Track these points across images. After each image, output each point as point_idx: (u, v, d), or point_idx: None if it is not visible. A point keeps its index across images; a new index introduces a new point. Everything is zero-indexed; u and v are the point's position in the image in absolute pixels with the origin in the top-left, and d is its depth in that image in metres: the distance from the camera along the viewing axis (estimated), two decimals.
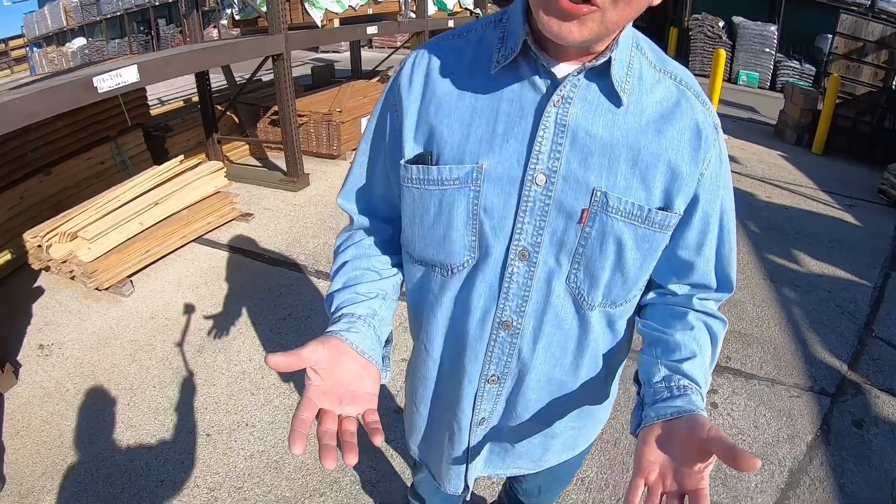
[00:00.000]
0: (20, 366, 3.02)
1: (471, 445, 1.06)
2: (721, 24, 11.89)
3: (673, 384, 0.81)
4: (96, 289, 3.53)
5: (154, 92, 6.20)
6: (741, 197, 5.00)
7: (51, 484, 2.33)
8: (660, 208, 0.82)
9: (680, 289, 0.93)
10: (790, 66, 11.51)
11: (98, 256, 3.48)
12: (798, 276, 3.74)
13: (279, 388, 2.70)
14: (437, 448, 1.14)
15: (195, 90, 5.27)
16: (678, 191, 0.81)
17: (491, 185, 0.81)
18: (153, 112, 5.93)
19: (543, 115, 0.78)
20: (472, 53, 0.84)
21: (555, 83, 0.78)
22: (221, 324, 3.20)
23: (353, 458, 0.69)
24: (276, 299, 3.38)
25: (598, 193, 0.79)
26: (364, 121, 5.48)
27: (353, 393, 0.79)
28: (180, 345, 3.04)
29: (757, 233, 4.28)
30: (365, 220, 1.01)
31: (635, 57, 0.80)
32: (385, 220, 1.01)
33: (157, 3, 22.76)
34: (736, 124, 7.98)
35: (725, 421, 2.48)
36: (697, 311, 0.91)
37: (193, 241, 4.12)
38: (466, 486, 1.14)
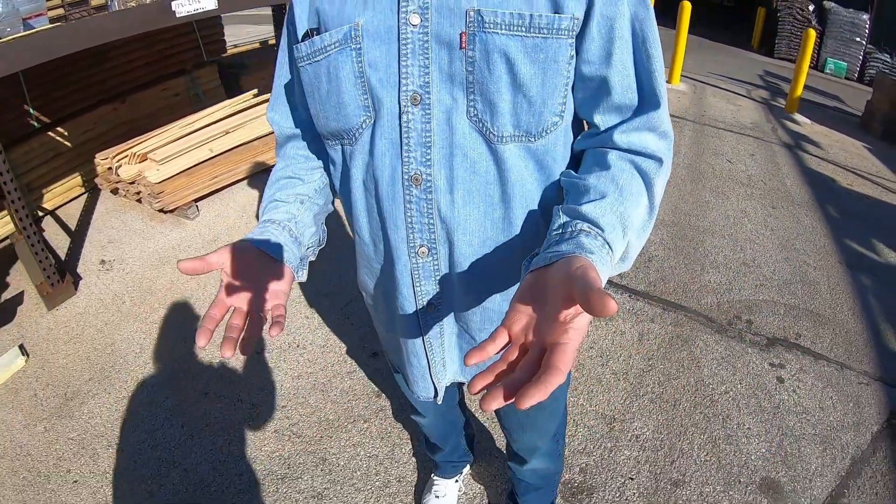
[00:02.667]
0: (80, 279, 3.12)
1: (425, 336, 0.99)
2: (811, 7, 11.21)
3: (568, 230, 0.69)
4: (161, 210, 3.58)
5: (230, 39, 6.25)
6: (821, 181, 4.71)
7: (97, 388, 2.40)
8: (552, 12, 0.74)
9: (603, 119, 0.82)
10: (880, 59, 10.79)
11: (166, 178, 3.52)
12: (875, 265, 3.48)
13: (334, 314, 2.69)
14: (396, 345, 1.09)
15: (270, 35, 5.27)
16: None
17: (370, 39, 0.79)
18: (228, 52, 5.97)
19: None
20: None
21: None
22: None
23: (247, 350, 0.73)
24: (340, 229, 3.34)
25: (472, 13, 0.74)
26: None
27: (264, 290, 0.80)
28: None
29: (834, 217, 4.02)
30: (288, 129, 1.02)
31: None
32: (305, 125, 0.99)
33: None
34: (820, 111, 7.53)
35: (791, 398, 2.32)
36: (621, 149, 0.80)
37: (261, 172, 4.12)
38: (436, 391, 1.08)
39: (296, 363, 2.41)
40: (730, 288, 2.97)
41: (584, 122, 0.87)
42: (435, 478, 1.82)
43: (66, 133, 4.11)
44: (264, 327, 0.76)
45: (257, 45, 6.31)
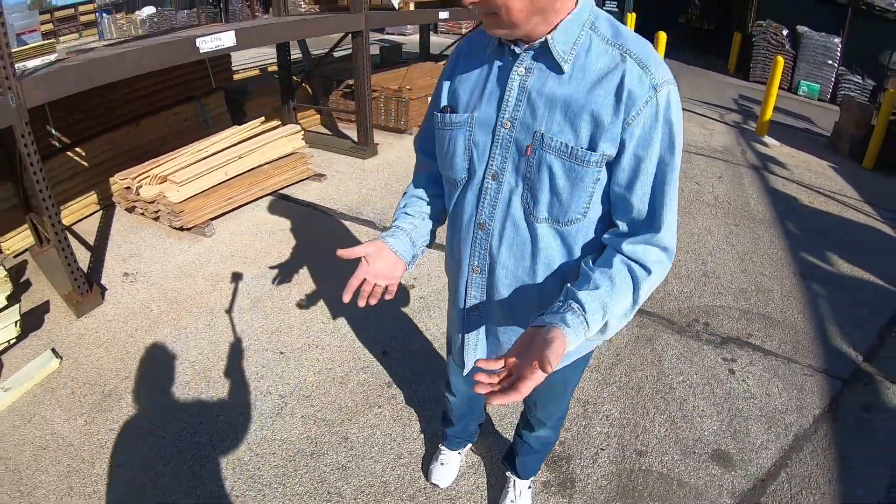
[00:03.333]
0: (106, 289, 3.47)
1: (466, 326, 1.46)
2: (785, 32, 11.84)
3: (563, 306, 1.06)
4: (180, 228, 3.97)
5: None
6: (784, 200, 5.18)
7: (133, 386, 2.74)
8: (586, 148, 1.09)
9: (622, 225, 1.17)
10: (852, 80, 11.40)
11: (185, 199, 3.93)
12: (829, 275, 3.93)
13: (349, 319, 3.11)
14: (451, 327, 1.62)
15: (269, 61, 5.70)
16: (601, 135, 1.07)
17: (478, 127, 1.21)
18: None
19: (508, 81, 1.16)
20: (484, 41, 1.22)
21: (515, 58, 1.14)
22: (295, 264, 3.63)
23: (373, 301, 1.37)
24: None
25: (538, 135, 1.12)
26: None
27: (386, 274, 1.36)
28: (258, 278, 3.45)
29: (794, 233, 4.47)
30: (423, 157, 1.50)
31: (585, 35, 1.10)
32: (435, 160, 1.42)
33: None
34: (790, 133, 8.03)
35: (740, 386, 2.77)
36: (624, 254, 1.14)
37: (270, 194, 4.56)
38: (464, 364, 1.54)
39: (317, 361, 2.81)
40: (690, 296, 3.44)
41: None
42: (442, 448, 2.24)
43: (83, 153, 4.53)
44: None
45: (258, 72, 6.74)
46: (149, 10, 28.58)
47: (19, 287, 3.53)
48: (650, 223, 1.14)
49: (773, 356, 3.00)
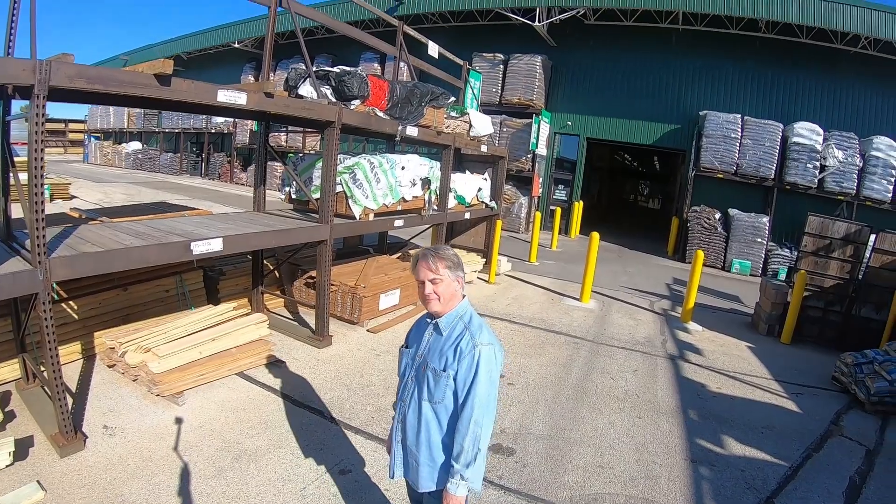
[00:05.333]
0: (87, 437, 4.13)
1: (394, 452, 2.69)
2: (717, 215, 13.50)
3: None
4: (157, 395, 4.67)
5: None
6: (692, 388, 6.01)
7: None
8: (441, 370, 2.49)
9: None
10: (780, 254, 12.94)
11: (164, 370, 4.67)
12: (719, 457, 4.63)
13: (295, 496, 3.78)
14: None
15: None
16: (448, 366, 2.49)
17: (411, 356, 2.68)
18: None
19: (425, 335, 2.65)
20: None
21: (430, 325, 2.63)
22: (255, 442, 4.33)
23: None
24: (298, 432, 4.50)
25: (428, 363, 2.57)
26: (383, 296, 7.11)
27: None
28: (222, 450, 4.14)
29: (694, 420, 5.23)
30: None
31: (456, 320, 2.57)
32: None
33: (212, 131, 25.79)
34: (714, 316, 9.12)
35: None
36: (456, 444, 2.47)
37: (237, 373, 5.37)
38: (393, 475, 2.70)
39: None
40: (583, 485, 4.15)
41: None
42: None
43: (75, 307, 5.39)
44: None
45: None
46: (135, 146, 30.72)
47: (3, 416, 4.13)
48: (464, 426, 2.42)
49: None
